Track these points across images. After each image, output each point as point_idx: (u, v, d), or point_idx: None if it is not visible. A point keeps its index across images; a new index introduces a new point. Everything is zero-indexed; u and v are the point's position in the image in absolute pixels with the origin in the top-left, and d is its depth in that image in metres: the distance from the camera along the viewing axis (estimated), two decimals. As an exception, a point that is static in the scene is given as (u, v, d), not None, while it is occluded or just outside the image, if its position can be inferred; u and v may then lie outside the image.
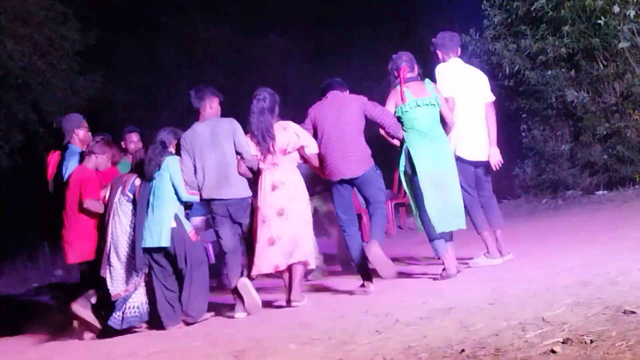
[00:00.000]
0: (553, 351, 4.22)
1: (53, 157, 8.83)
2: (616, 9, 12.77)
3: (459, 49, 8.54)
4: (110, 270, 7.92)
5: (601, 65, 13.60)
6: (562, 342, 4.34)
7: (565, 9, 13.42)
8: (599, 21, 13.06)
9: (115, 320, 7.88)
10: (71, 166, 8.46)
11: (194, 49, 22.00)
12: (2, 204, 18.13)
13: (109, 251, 7.93)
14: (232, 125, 7.90)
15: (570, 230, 9.77)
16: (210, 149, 7.82)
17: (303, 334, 6.00)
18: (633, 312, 4.69)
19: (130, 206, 7.97)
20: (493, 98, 8.43)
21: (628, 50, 13.14)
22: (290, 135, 7.81)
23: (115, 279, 7.91)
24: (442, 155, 7.83)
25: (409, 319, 5.82)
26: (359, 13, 21.16)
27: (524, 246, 8.88)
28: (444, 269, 7.72)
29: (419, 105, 7.82)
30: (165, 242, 7.70)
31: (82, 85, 18.56)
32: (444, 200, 7.74)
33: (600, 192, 13.25)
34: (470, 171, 8.20)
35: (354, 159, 7.80)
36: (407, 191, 7.99)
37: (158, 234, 7.70)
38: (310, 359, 5.16)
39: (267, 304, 7.86)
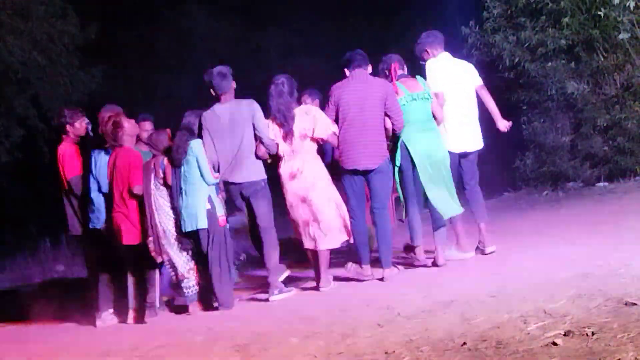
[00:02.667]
0: (554, 343, 4.23)
1: (68, 150, 8.67)
2: (616, 0, 12.74)
3: (444, 45, 8.57)
4: (169, 254, 8.07)
5: (601, 57, 13.58)
6: (564, 335, 4.35)
7: (565, 1, 13.39)
8: (599, 12, 13.03)
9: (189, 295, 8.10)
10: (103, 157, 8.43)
11: (194, 42, 21.99)
12: (3, 199, 18.12)
13: (161, 237, 8.05)
14: (252, 107, 7.97)
15: (571, 222, 9.77)
16: (228, 133, 7.93)
17: (304, 328, 6.01)
18: (634, 304, 4.70)
19: (165, 190, 8.07)
20: (481, 82, 8.50)
21: (628, 41, 13.11)
22: (310, 119, 7.86)
23: (177, 262, 8.07)
24: (437, 148, 7.97)
25: (410, 312, 5.83)
26: (359, 5, 21.15)
27: (525, 238, 8.90)
28: (435, 259, 7.98)
29: (415, 99, 7.97)
30: (202, 224, 7.86)
31: (82, 80, 18.55)
32: (443, 189, 7.90)
33: (601, 184, 13.24)
34: (455, 162, 8.26)
35: (372, 151, 7.81)
36: (398, 185, 8.05)
37: (195, 217, 7.85)
38: (312, 353, 5.17)
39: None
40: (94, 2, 19.03)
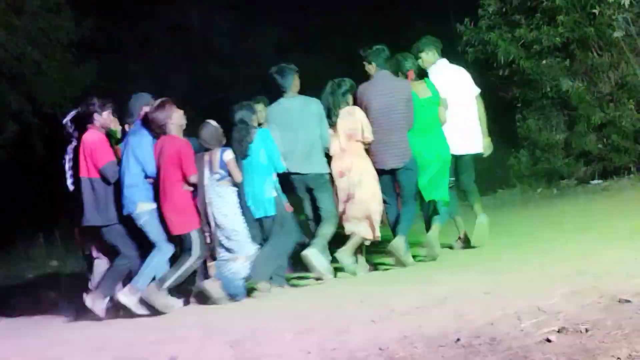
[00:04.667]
0: (548, 340, 4.24)
1: (97, 138, 8.34)
2: (610, -2, 12.77)
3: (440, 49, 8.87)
4: (224, 249, 8.00)
5: (596, 55, 13.60)
6: (558, 331, 4.35)
7: (560, -2, 13.41)
8: (594, 10, 13.06)
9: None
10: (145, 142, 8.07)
11: (189, 38, 21.96)
12: (-4, 195, 18.06)
13: (217, 235, 7.97)
14: (320, 107, 8.24)
15: (565, 219, 9.79)
16: (299, 125, 8.15)
17: (299, 324, 6.01)
18: (628, 301, 4.70)
19: (225, 184, 7.96)
20: (479, 90, 8.80)
21: (622, 39, 13.14)
22: (356, 120, 8.13)
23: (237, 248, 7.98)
24: (442, 151, 8.29)
25: (404, 308, 5.83)
26: (355, 2, 21.12)
27: (519, 235, 8.92)
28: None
29: (423, 106, 8.21)
30: (272, 210, 7.95)
31: (77, 76, 18.50)
32: (431, 176, 8.21)
33: (595, 182, 13.27)
34: (452, 162, 8.53)
35: (398, 152, 8.13)
36: None
37: (263, 204, 7.95)
38: (306, 349, 5.16)
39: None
40: (88, -3, 18.98)
